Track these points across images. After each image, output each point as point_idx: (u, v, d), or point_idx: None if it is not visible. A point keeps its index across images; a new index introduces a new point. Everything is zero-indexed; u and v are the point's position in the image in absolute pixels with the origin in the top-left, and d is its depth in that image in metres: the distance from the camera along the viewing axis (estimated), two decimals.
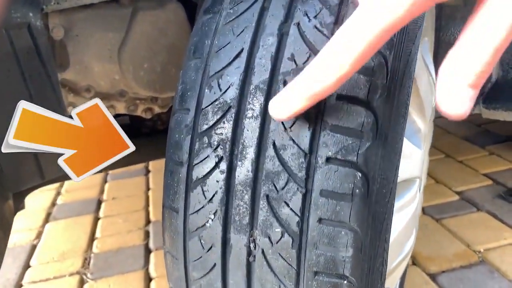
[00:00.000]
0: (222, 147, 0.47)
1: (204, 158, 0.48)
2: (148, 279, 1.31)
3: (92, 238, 1.55)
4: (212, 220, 0.47)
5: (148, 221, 1.60)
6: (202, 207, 0.48)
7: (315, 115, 0.43)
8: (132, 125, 1.41)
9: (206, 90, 0.49)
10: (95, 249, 1.49)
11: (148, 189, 1.84)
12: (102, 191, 1.86)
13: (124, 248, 1.47)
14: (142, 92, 1.02)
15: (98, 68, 0.99)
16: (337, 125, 0.43)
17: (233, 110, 0.47)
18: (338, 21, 0.45)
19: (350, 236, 0.43)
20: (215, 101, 0.48)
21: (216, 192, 0.47)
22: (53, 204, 1.81)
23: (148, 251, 1.44)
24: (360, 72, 0.43)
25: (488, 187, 1.59)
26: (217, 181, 0.47)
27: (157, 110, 1.15)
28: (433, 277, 1.19)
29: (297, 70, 0.45)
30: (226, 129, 0.47)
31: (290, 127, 0.44)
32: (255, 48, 0.47)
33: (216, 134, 0.47)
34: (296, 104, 0.39)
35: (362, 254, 0.44)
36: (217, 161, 0.47)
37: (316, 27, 0.45)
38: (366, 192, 0.43)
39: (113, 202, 1.77)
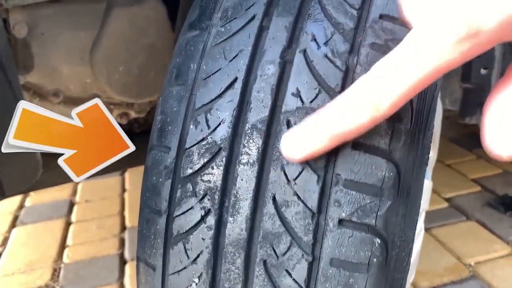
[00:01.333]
0: (209, 197, 0.39)
1: (188, 210, 0.39)
2: None
3: (63, 246, 1.45)
4: (197, 284, 0.39)
5: (123, 228, 1.51)
6: (184, 268, 0.40)
7: (325, 166, 0.36)
8: None
9: (191, 126, 0.40)
10: (65, 258, 1.39)
11: (123, 190, 1.74)
12: (74, 193, 1.75)
13: (98, 258, 1.37)
14: (117, 97, 0.92)
15: (68, 71, 0.88)
16: (353, 180, 0.35)
17: (223, 153, 0.38)
18: (353, 50, 0.37)
19: None
20: (202, 140, 0.39)
21: (201, 252, 0.39)
22: (21, 206, 1.69)
23: (123, 262, 1.36)
24: None
25: (477, 194, 1.56)
26: (203, 239, 0.39)
27: (133, 115, 1.05)
28: None
29: (303, 109, 0.37)
30: (215, 176, 0.38)
31: (295, 179, 0.36)
32: (251, 77, 0.39)
33: (203, 181, 0.39)
34: (315, 143, 0.33)
35: None
36: (203, 214, 0.39)
37: (327, 57, 0.37)
38: (384, 260, 0.36)
39: (86, 205, 1.67)
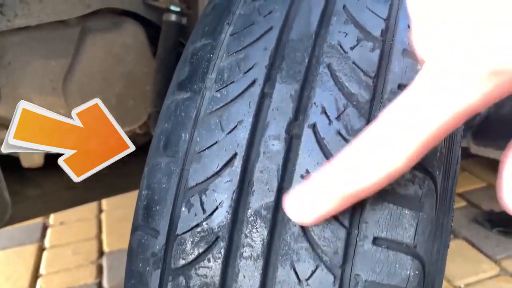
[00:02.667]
0: None
1: None
2: None
3: (35, 275, 1.36)
4: None
5: (101, 253, 1.44)
6: None
7: (342, 264, 0.31)
8: None
9: (184, 209, 0.35)
10: None
11: (100, 211, 1.67)
12: (48, 214, 1.66)
13: None
14: None
15: (38, 102, 0.81)
16: (374, 282, 0.31)
17: (222, 244, 0.33)
18: None
19: None
20: (196, 226, 0.34)
21: None
22: None
23: None
24: (403, 205, 0.31)
25: (462, 210, 1.55)
26: None
27: None
28: None
29: None
30: (212, 270, 0.33)
31: (308, 279, 0.31)
32: (253, 154, 0.34)
33: (198, 275, 0.34)
34: (325, 205, 0.30)
35: None
36: None
37: (340, 134, 0.32)
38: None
39: (60, 228, 1.58)
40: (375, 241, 0.31)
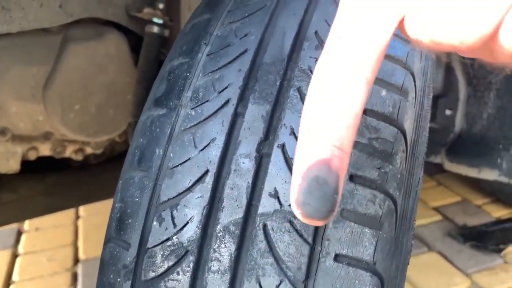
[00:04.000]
0: None
1: None
2: None
3: (7, 282, 1.34)
4: None
5: (76, 260, 1.42)
6: None
7: (305, 280, 0.32)
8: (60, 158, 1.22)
9: (155, 223, 0.36)
10: None
11: (77, 217, 1.65)
12: (23, 220, 1.64)
13: None
14: (71, 136, 0.86)
15: (17, 108, 0.81)
16: None
17: (191, 258, 0.34)
18: None
19: None
20: (166, 240, 0.35)
21: None
22: None
23: None
24: (364, 224, 0.33)
25: (438, 223, 1.58)
26: None
27: (89, 151, 0.98)
28: None
29: (282, 212, 0.33)
30: (180, 283, 0.34)
31: None
32: (224, 171, 0.35)
33: None
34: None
35: None
36: None
37: None
38: None
39: (36, 234, 1.56)
40: (337, 257, 0.32)
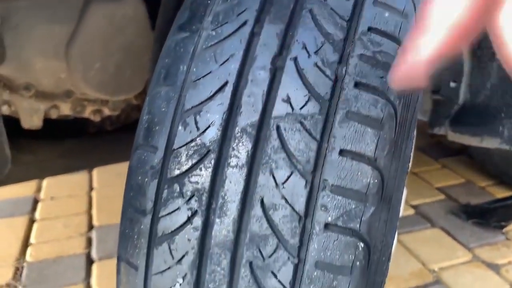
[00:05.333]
0: (197, 198, 0.39)
1: (174, 210, 0.39)
2: None
3: (26, 244, 1.40)
4: (181, 285, 0.39)
5: (90, 227, 1.47)
6: (169, 268, 0.40)
7: (313, 171, 0.37)
8: (76, 123, 1.27)
9: (180, 128, 0.40)
10: (28, 257, 1.34)
11: (91, 188, 1.70)
12: (39, 189, 1.69)
13: (63, 257, 1.33)
14: (91, 94, 0.91)
15: (41, 65, 0.86)
16: (339, 186, 0.36)
17: (212, 156, 0.39)
18: (342, 60, 0.38)
19: None
20: (190, 141, 0.39)
21: (186, 253, 0.39)
22: None
23: (90, 261, 1.32)
24: (367, 124, 0.37)
25: (441, 202, 1.61)
26: (189, 240, 0.39)
27: (107, 112, 1.03)
28: None
29: (293, 115, 0.37)
30: (203, 177, 0.39)
31: (283, 183, 0.37)
32: (242, 82, 0.39)
33: (190, 182, 0.39)
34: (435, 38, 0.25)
35: None
36: (189, 215, 0.39)
37: (317, 65, 0.38)
38: (367, 264, 0.37)
39: (51, 203, 1.61)
40: (341, 152, 0.36)
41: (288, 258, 0.36)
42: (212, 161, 0.38)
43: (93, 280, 1.28)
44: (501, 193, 1.71)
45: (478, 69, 1.03)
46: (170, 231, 0.39)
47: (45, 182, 1.78)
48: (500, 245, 1.42)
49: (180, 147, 0.39)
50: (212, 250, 0.38)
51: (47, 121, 0.99)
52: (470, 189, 1.75)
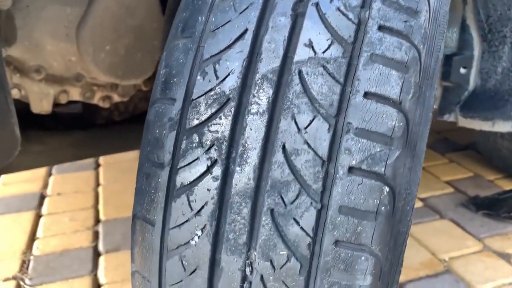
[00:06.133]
0: (216, 147, 0.38)
1: (193, 161, 0.39)
2: (97, 286, 1.18)
3: (32, 238, 1.39)
4: (199, 237, 0.38)
5: (97, 221, 1.46)
6: (187, 220, 0.39)
7: (337, 115, 0.36)
8: (85, 115, 1.27)
9: (199, 77, 0.40)
10: (35, 250, 1.33)
11: (98, 185, 1.69)
12: (45, 185, 1.69)
13: (70, 250, 1.32)
14: (101, 77, 0.90)
15: (52, 47, 0.86)
16: (364, 129, 0.35)
17: (232, 104, 0.38)
18: (365, 4, 0.37)
19: (370, 262, 0.36)
20: (209, 91, 0.39)
21: (206, 203, 0.38)
22: None
23: (97, 254, 1.31)
24: (391, 67, 0.36)
25: (450, 195, 1.60)
26: (208, 190, 0.38)
27: (116, 99, 1.03)
28: (400, 286, 1.16)
29: (316, 59, 0.37)
30: (223, 126, 0.38)
31: (306, 128, 0.36)
32: (262, 29, 0.39)
33: (210, 131, 0.38)
34: None
35: (380, 283, 0.37)
36: (209, 164, 0.38)
37: (339, 10, 0.37)
38: (391, 210, 0.36)
39: (58, 198, 1.61)
40: (366, 95, 0.36)
41: (311, 203, 0.35)
42: (232, 109, 0.37)
43: (100, 272, 1.27)
44: (509, 186, 1.69)
45: (488, 53, 1.02)
46: (188, 182, 0.39)
47: (52, 179, 1.78)
48: (510, 235, 1.40)
49: (199, 96, 0.39)
50: (232, 199, 0.37)
51: (56, 114, 0.99)
52: (479, 182, 1.74)
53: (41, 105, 0.91)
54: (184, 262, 0.39)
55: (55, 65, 0.88)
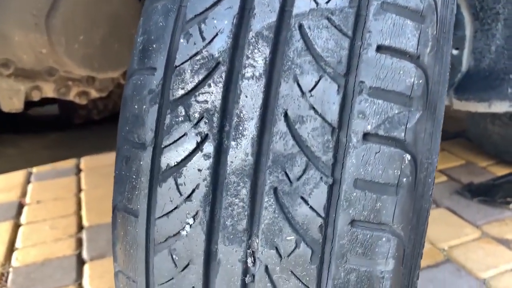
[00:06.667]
0: (206, 120, 0.32)
1: (180, 137, 0.33)
2: None
3: (11, 249, 1.31)
4: (191, 226, 0.33)
5: (80, 227, 1.39)
6: (176, 207, 0.33)
7: (346, 73, 0.31)
8: (62, 115, 1.20)
9: (182, 41, 0.34)
10: (14, 262, 1.25)
11: (79, 190, 1.62)
12: (24, 194, 1.60)
13: (52, 260, 1.25)
14: (76, 70, 0.84)
15: (20, 38, 0.79)
16: (379, 88, 0.30)
17: (223, 68, 0.32)
18: None
19: (392, 243, 0.31)
20: (195, 55, 0.33)
21: (197, 186, 0.33)
22: None
23: (81, 262, 1.24)
24: (406, 16, 0.31)
25: (444, 183, 1.57)
26: (199, 170, 0.32)
27: (93, 94, 0.96)
28: None
29: (318, 11, 0.32)
30: (213, 94, 0.32)
31: (311, 91, 0.31)
32: None
33: (198, 102, 0.33)
34: None
35: (403, 268, 0.32)
36: (199, 141, 0.33)
37: None
38: (413, 182, 0.31)
39: (37, 207, 1.53)
40: (379, 49, 0.31)
41: (321, 178, 0.30)
42: (223, 75, 0.32)
43: (85, 281, 1.19)
44: (503, 171, 1.67)
45: (481, 32, 0.99)
46: (176, 163, 0.33)
47: (31, 186, 1.69)
48: (508, 221, 1.38)
49: (183, 62, 0.33)
50: (228, 179, 0.32)
51: (31, 117, 0.92)
52: (471, 169, 1.71)
53: (11, 102, 0.85)
54: (174, 256, 0.33)
55: (24, 58, 0.81)
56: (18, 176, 1.71)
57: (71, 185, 1.66)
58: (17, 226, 1.42)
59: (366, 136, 0.30)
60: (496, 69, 0.98)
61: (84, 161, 1.79)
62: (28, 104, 0.87)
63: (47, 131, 1.14)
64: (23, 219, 1.46)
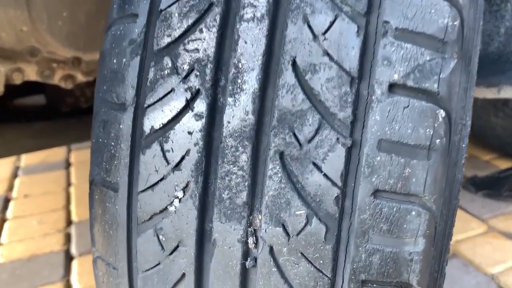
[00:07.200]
0: (198, 73, 0.27)
1: (165, 95, 0.28)
2: None
3: None
4: (180, 200, 0.27)
5: (69, 222, 1.33)
6: (162, 178, 0.28)
7: (367, 12, 0.25)
8: (48, 103, 1.14)
9: None
10: None
11: (69, 184, 1.56)
12: (11, 188, 1.54)
13: (39, 256, 1.19)
14: (60, 49, 0.78)
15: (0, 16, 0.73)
16: (407, 30, 0.25)
17: (217, 10, 0.27)
18: None
19: (423, 219, 0.25)
20: None
21: (187, 152, 0.27)
22: None
23: (69, 258, 1.18)
24: None
25: None
26: (190, 133, 0.27)
27: (80, 78, 0.90)
28: None
29: None
30: (205, 41, 0.27)
31: (325, 33, 0.25)
32: None
33: (187, 51, 0.27)
34: None
35: (434, 248, 0.27)
36: (188, 98, 0.27)
37: None
38: (447, 144, 0.26)
39: (24, 201, 1.47)
40: None
41: (337, 140, 0.25)
42: (217, 17, 0.26)
43: (74, 277, 1.13)
44: (506, 165, 1.63)
45: (489, 13, 0.94)
46: (161, 125, 0.27)
47: (18, 181, 1.63)
48: None
49: (170, 5, 0.28)
50: (224, 143, 0.26)
51: (16, 106, 0.87)
52: (475, 163, 1.67)
53: None
54: (161, 237, 0.28)
55: (3, 36, 0.75)
56: (4, 170, 1.65)
57: (60, 179, 1.60)
58: (2, 221, 1.36)
59: (392, 87, 0.25)
60: (505, 52, 0.93)
61: (74, 155, 1.73)
62: (13, 94, 0.81)
63: (32, 121, 1.09)
64: (9, 213, 1.40)
